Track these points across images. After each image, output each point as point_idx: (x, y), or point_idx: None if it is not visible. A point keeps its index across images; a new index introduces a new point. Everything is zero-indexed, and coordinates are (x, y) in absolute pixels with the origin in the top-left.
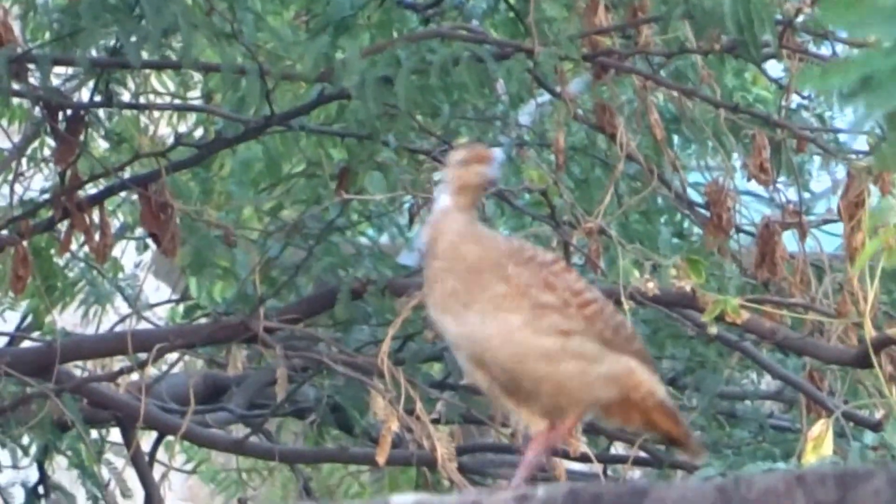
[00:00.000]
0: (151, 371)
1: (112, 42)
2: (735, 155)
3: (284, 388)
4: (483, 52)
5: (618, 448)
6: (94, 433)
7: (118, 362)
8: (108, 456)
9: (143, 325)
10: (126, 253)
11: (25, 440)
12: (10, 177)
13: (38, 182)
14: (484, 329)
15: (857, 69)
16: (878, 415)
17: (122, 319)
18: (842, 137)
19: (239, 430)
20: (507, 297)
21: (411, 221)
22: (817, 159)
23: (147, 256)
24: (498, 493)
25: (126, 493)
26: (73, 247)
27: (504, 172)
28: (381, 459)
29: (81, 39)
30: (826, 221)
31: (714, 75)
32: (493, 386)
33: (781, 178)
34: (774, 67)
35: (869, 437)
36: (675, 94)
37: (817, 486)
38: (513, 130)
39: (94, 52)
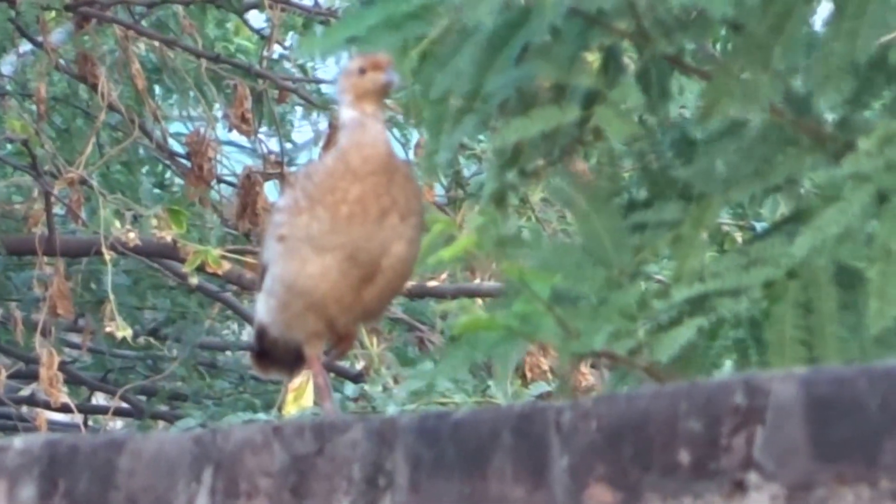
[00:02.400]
0: None
1: None
2: (217, 105)
3: None
4: None
5: (99, 399)
6: None
7: None
8: None
9: None
10: None
11: None
12: None
13: None
14: (412, 241)
15: (348, 30)
16: (359, 366)
17: None
18: (324, 88)
19: None
20: (421, 213)
21: None
22: (299, 109)
23: None
24: None
25: None
26: None
27: None
28: None
29: None
30: None
31: (196, 25)
32: (343, 307)
33: (263, 129)
34: (257, 18)
35: (350, 388)
36: (156, 44)
37: (295, 437)
38: None
39: None
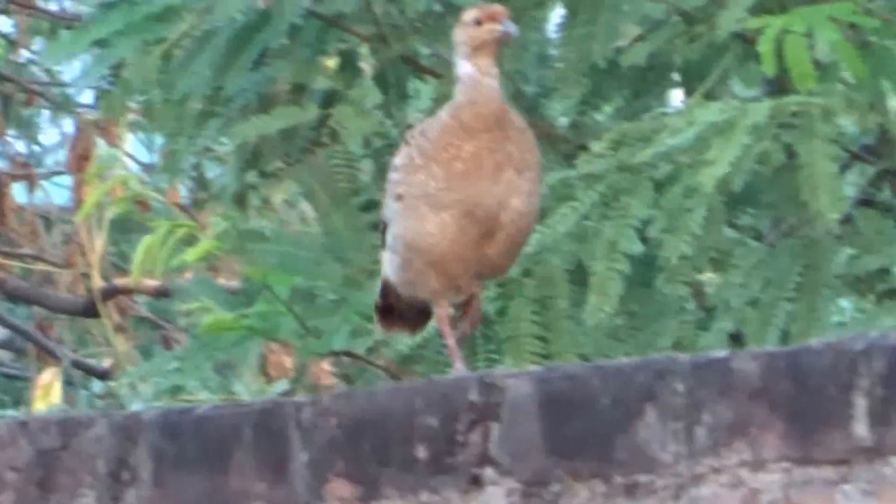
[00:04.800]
0: None
1: None
2: None
3: None
4: None
5: None
6: None
7: None
8: None
9: None
10: None
11: None
12: None
13: None
14: (530, 195)
15: (92, 33)
16: (106, 363)
17: None
18: (69, 91)
19: None
20: (539, 168)
21: None
22: (47, 112)
23: None
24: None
25: None
26: None
27: None
28: None
29: None
30: (55, 174)
31: None
32: (465, 265)
33: (11, 131)
34: (3, 22)
35: (97, 385)
36: None
37: (41, 432)
38: None
39: None
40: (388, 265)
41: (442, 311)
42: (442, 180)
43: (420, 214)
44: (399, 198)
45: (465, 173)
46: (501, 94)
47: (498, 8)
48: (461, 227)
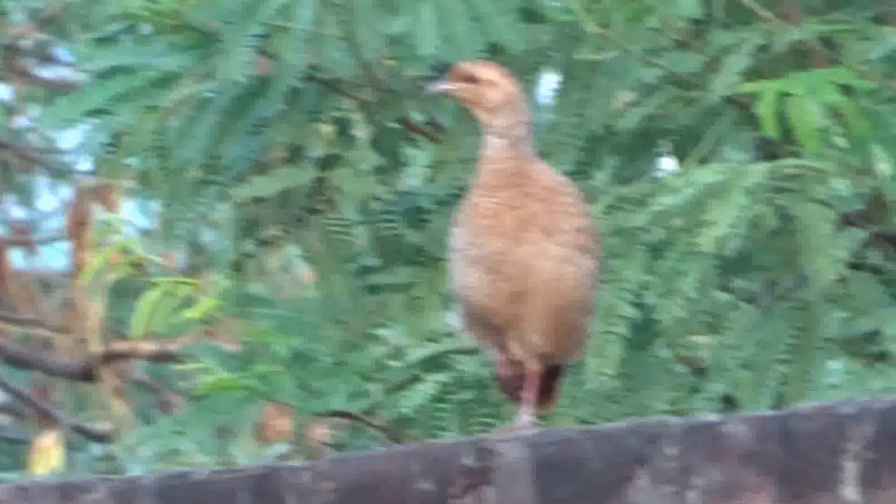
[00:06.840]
0: None
1: None
2: None
3: None
4: None
5: None
6: None
7: None
8: None
9: None
10: None
11: None
12: None
13: None
14: (565, 261)
15: (91, 99)
16: (105, 427)
17: None
18: (67, 158)
19: None
20: (582, 233)
21: None
22: (45, 179)
23: None
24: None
25: None
26: None
27: None
28: None
29: None
30: (53, 239)
31: None
32: (504, 320)
33: (9, 197)
34: (1, 90)
35: (96, 448)
36: None
37: (40, 497)
38: None
39: None
40: (456, 312)
41: (499, 363)
42: (471, 236)
43: (461, 268)
44: (451, 250)
45: (488, 230)
46: (514, 150)
47: (457, 66)
48: (490, 282)
